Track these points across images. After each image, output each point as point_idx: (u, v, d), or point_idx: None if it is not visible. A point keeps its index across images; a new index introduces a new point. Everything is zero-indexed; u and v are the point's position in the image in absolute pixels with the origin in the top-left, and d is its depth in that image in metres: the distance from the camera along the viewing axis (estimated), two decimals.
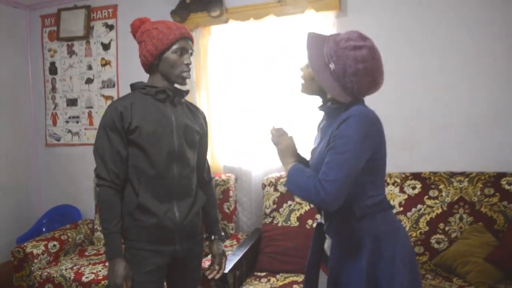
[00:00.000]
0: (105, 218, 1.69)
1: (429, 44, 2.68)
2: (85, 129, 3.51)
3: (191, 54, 1.75)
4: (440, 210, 2.52)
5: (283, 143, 1.53)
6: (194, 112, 1.85)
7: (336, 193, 1.30)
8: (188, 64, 1.72)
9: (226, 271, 2.17)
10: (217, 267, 1.91)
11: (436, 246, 2.50)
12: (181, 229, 1.74)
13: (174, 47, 1.69)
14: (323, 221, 1.56)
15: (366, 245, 1.40)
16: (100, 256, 2.98)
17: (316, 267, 1.64)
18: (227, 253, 2.46)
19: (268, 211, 2.79)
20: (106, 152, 1.67)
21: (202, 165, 1.91)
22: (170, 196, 1.72)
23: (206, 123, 1.91)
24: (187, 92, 1.83)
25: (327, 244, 1.58)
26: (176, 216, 1.72)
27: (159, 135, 1.68)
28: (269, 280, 2.45)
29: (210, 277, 1.91)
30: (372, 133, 1.36)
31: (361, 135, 1.32)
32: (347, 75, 1.35)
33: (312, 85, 1.47)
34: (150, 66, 1.75)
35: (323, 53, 1.40)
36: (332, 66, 1.36)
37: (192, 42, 1.76)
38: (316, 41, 1.43)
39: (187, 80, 1.77)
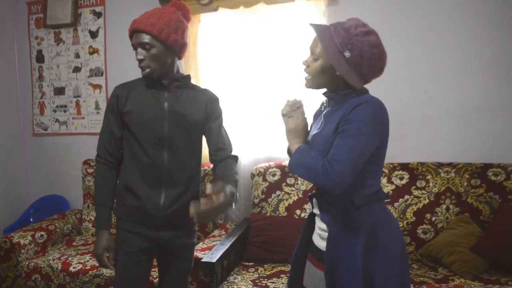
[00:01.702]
0: (96, 191, 1.81)
1: (419, 35, 2.68)
2: (73, 118, 3.47)
3: (147, 47, 1.67)
4: (427, 201, 2.54)
5: (294, 121, 1.48)
6: (198, 97, 1.80)
7: (345, 174, 1.30)
8: (139, 60, 1.69)
9: (214, 260, 2.17)
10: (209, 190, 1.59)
11: (422, 236, 2.53)
12: (165, 217, 1.75)
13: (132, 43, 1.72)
14: (317, 211, 1.55)
15: (363, 233, 1.40)
16: (88, 246, 2.97)
17: (303, 257, 1.64)
18: (215, 243, 2.48)
19: (256, 201, 2.79)
20: (104, 131, 1.80)
21: (213, 149, 1.83)
22: (159, 182, 1.74)
23: (215, 106, 1.84)
24: (183, 77, 1.78)
25: (316, 235, 1.57)
26: (160, 203, 1.73)
27: (147, 121, 1.71)
28: (257, 270, 2.46)
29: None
30: (382, 121, 1.38)
31: (374, 120, 1.34)
32: (364, 61, 1.35)
33: (322, 78, 1.43)
34: None
35: (334, 43, 1.37)
36: (347, 54, 1.35)
37: (152, 33, 1.65)
38: (323, 32, 1.40)
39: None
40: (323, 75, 1.42)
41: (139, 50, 1.69)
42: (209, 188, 1.49)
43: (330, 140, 1.37)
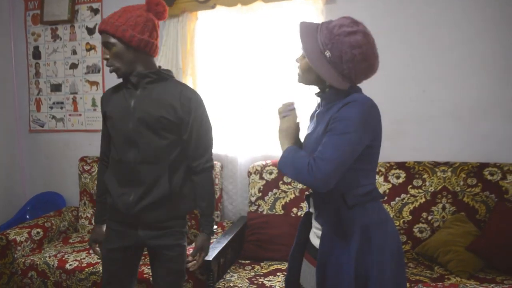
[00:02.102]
0: (96, 188, 2.01)
1: (418, 34, 2.68)
2: (70, 115, 3.46)
3: (109, 46, 1.69)
4: (423, 200, 2.54)
5: (286, 123, 1.49)
6: (168, 93, 1.74)
7: (330, 173, 1.28)
8: (105, 59, 1.73)
9: (210, 258, 2.17)
10: (190, 258, 1.86)
11: (418, 235, 2.53)
12: (136, 215, 1.77)
13: None
14: (312, 210, 1.56)
15: (356, 233, 1.40)
16: (84, 244, 2.97)
17: (299, 256, 1.64)
18: (211, 241, 2.47)
19: (253, 199, 2.79)
20: (102, 132, 1.95)
21: (190, 153, 1.79)
22: (127, 180, 1.77)
23: (191, 104, 1.74)
24: (153, 73, 1.74)
25: (312, 234, 1.58)
26: (129, 201, 1.75)
27: (115, 120, 1.77)
28: (253, 268, 2.46)
29: (189, 266, 1.88)
30: (372, 120, 1.37)
31: (362, 119, 1.31)
32: (344, 62, 1.33)
33: (309, 76, 1.44)
34: None
35: (317, 42, 1.37)
36: (328, 54, 1.34)
37: (110, 32, 1.66)
38: (308, 30, 1.41)
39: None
40: (310, 73, 1.42)
41: (104, 49, 1.73)
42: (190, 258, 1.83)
43: (320, 140, 1.36)
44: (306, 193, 1.63)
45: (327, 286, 1.44)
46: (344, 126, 1.30)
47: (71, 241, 3.04)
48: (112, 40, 1.67)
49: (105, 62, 1.74)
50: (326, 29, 1.37)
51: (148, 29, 1.71)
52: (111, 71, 1.73)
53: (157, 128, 1.72)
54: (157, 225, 1.79)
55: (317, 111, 1.52)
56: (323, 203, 1.47)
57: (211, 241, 2.31)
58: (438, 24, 2.65)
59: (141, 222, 1.79)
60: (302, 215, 1.69)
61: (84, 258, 2.70)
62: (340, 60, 1.33)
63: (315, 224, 1.55)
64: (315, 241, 1.54)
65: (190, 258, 1.85)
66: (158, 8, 1.76)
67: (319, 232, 1.50)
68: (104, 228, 1.93)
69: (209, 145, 1.84)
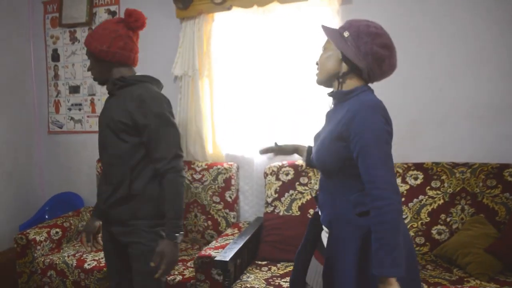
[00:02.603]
0: None
1: (434, 33, 2.65)
2: (88, 116, 3.51)
3: (88, 58, 1.92)
4: (442, 201, 2.51)
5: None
6: (128, 97, 1.82)
7: (394, 189, 1.32)
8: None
9: (227, 259, 2.17)
10: (151, 263, 1.79)
11: (437, 237, 2.50)
12: (107, 212, 1.93)
13: None
14: (319, 212, 1.58)
15: (359, 235, 1.40)
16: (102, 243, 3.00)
17: (307, 255, 1.67)
18: (228, 241, 2.49)
19: (269, 200, 2.79)
20: None
21: (152, 156, 1.84)
22: (103, 180, 1.97)
23: (147, 107, 1.79)
24: (119, 79, 1.86)
25: (323, 233, 1.59)
26: (101, 198, 1.94)
27: (99, 125, 1.96)
28: (270, 269, 2.46)
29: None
30: (388, 119, 1.40)
31: (383, 122, 1.36)
32: (360, 37, 1.41)
33: (328, 65, 1.49)
34: None
35: (337, 28, 1.48)
36: (346, 33, 1.43)
37: (85, 45, 1.90)
38: (329, 27, 1.52)
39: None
40: (329, 61, 1.49)
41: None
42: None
43: (328, 145, 1.42)
44: (315, 195, 1.65)
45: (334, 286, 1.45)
46: (371, 139, 1.33)
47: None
48: (88, 53, 1.91)
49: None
50: (346, 21, 1.50)
51: (117, 42, 1.84)
52: (95, 81, 1.98)
53: (118, 132, 1.83)
54: (122, 223, 1.89)
55: (328, 111, 1.57)
56: (328, 206, 1.49)
57: (223, 243, 2.31)
58: (455, 23, 2.62)
59: (110, 219, 1.94)
60: None
61: (102, 258, 2.73)
62: (357, 35, 1.41)
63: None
64: (325, 240, 1.56)
65: (151, 264, 1.78)
66: (129, 19, 1.87)
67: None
68: (96, 221, 2.07)
69: (171, 147, 1.84)
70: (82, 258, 2.74)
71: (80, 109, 3.52)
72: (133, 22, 1.87)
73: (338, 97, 1.50)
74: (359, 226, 1.39)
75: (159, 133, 1.81)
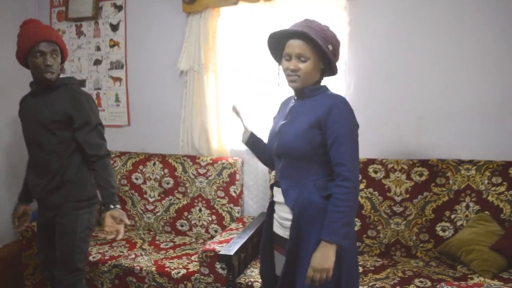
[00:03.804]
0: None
1: (441, 29, 2.63)
2: None
3: (54, 54, 2.06)
4: (446, 198, 2.51)
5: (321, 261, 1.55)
6: (60, 98, 2.09)
7: (358, 174, 1.57)
8: (47, 65, 2.04)
9: (232, 253, 2.18)
10: (106, 229, 2.05)
11: (441, 233, 2.50)
12: (43, 200, 2.20)
13: (34, 51, 2.03)
14: (279, 199, 1.67)
15: (324, 216, 1.54)
16: None
17: (270, 247, 1.78)
18: (232, 236, 2.50)
19: None
20: None
21: (83, 145, 2.11)
22: (34, 172, 2.22)
23: (73, 105, 2.08)
24: (52, 82, 2.09)
25: (276, 224, 1.73)
26: (37, 189, 2.18)
27: (24, 123, 2.22)
28: None
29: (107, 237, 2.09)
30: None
31: (353, 113, 1.61)
32: (338, 49, 1.64)
33: (312, 75, 1.64)
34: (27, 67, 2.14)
35: (322, 41, 1.59)
36: (330, 47, 1.60)
37: (57, 42, 2.07)
38: (314, 37, 1.59)
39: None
40: (314, 72, 1.63)
41: (51, 56, 2.09)
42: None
43: (304, 132, 1.58)
44: (271, 183, 1.77)
45: (300, 268, 1.58)
46: (348, 127, 1.56)
47: (94, 234, 3.09)
48: (59, 50, 2.11)
49: (48, 67, 2.05)
50: (321, 30, 1.61)
51: (19, 47, 2.13)
52: (50, 78, 2.09)
53: (54, 130, 2.10)
54: (55, 208, 2.16)
55: (292, 105, 1.71)
56: (294, 190, 1.62)
57: (228, 237, 2.32)
58: (462, 20, 2.60)
59: (45, 206, 2.22)
60: None
61: (107, 251, 2.76)
62: (337, 48, 1.63)
63: (279, 214, 1.70)
64: (281, 231, 1.69)
65: (106, 229, 2.04)
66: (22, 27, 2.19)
67: (284, 222, 1.66)
68: (22, 207, 2.37)
69: (101, 139, 2.16)
70: None
71: None
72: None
73: (308, 93, 1.66)
74: (324, 208, 1.54)
75: (85, 130, 2.10)
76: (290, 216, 1.62)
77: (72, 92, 2.12)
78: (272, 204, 1.76)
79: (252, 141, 1.95)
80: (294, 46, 1.60)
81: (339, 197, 1.50)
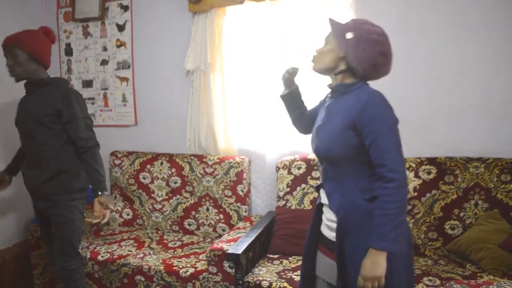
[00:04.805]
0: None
1: (448, 26, 2.62)
2: (101, 110, 3.53)
3: (9, 57, 2.28)
4: (455, 196, 2.50)
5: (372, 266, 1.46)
6: (45, 96, 2.28)
7: (404, 172, 1.45)
8: (8, 67, 2.30)
9: (239, 252, 2.19)
10: (96, 213, 2.25)
11: (450, 232, 2.49)
12: (36, 191, 2.35)
13: None
14: (324, 201, 1.62)
15: (370, 220, 1.46)
16: (115, 236, 3.04)
17: (313, 248, 1.72)
18: (240, 235, 2.50)
19: (281, 194, 2.80)
20: None
21: (72, 137, 2.29)
22: (27, 165, 2.38)
23: (62, 100, 2.25)
24: (35, 83, 2.33)
25: (324, 226, 1.66)
26: (31, 181, 2.35)
27: (19, 118, 2.40)
28: (281, 262, 2.47)
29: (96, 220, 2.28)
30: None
31: (391, 109, 1.49)
32: (360, 43, 1.48)
33: (326, 58, 1.57)
34: None
35: (342, 26, 1.54)
36: (349, 35, 1.49)
37: (9, 44, 2.27)
38: (336, 21, 1.57)
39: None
40: (328, 55, 1.56)
41: (7, 60, 2.33)
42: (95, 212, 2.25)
43: (339, 134, 1.50)
44: (316, 185, 1.71)
45: (348, 275, 1.51)
46: (386, 124, 1.45)
47: (102, 233, 3.11)
48: (19, 51, 2.29)
49: (8, 69, 2.32)
50: (351, 19, 1.56)
51: (44, 46, 2.37)
52: (13, 77, 2.36)
53: (47, 123, 2.27)
54: (47, 198, 2.32)
55: (327, 103, 1.63)
56: (337, 193, 1.55)
57: (235, 236, 2.32)
58: (469, 16, 2.58)
59: (38, 197, 2.38)
60: None
61: (115, 250, 2.77)
62: (358, 40, 1.48)
63: (326, 215, 1.63)
64: (328, 232, 1.62)
65: (95, 214, 2.24)
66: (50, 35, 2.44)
67: (331, 224, 1.59)
68: (5, 176, 2.59)
69: (89, 130, 2.33)
70: (95, 250, 2.77)
71: (93, 103, 3.55)
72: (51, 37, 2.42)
73: (340, 90, 1.57)
74: (369, 211, 1.47)
75: (78, 119, 2.27)
76: (336, 219, 1.57)
77: (62, 89, 2.31)
78: (319, 205, 1.70)
79: (290, 96, 1.86)
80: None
81: (385, 200, 1.42)
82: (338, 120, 1.52)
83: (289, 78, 1.82)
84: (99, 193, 2.26)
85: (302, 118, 1.86)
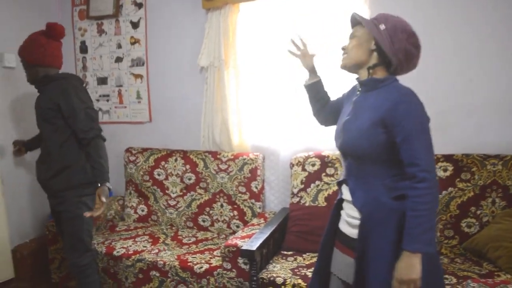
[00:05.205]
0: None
1: (465, 22, 2.58)
2: (115, 107, 3.56)
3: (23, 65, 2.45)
4: (472, 194, 2.46)
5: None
6: (49, 91, 2.34)
7: (435, 173, 1.41)
8: None
9: (254, 248, 2.19)
10: (96, 206, 2.23)
11: (466, 230, 2.46)
12: (45, 186, 2.43)
13: None
14: (346, 197, 1.60)
15: (394, 219, 1.45)
16: (130, 232, 3.07)
17: (331, 244, 1.70)
18: (254, 231, 2.51)
19: (295, 190, 2.79)
20: None
21: (73, 129, 2.32)
22: (38, 160, 2.47)
23: (60, 93, 2.30)
24: (42, 80, 2.39)
25: (343, 222, 1.63)
26: (40, 176, 2.43)
27: (36, 116, 2.45)
28: (295, 259, 2.47)
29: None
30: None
31: (423, 109, 1.46)
32: (397, 33, 1.46)
33: (357, 53, 1.54)
34: None
35: (372, 19, 1.52)
36: (382, 26, 1.48)
37: (19, 54, 2.44)
38: (363, 17, 1.55)
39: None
40: (359, 50, 1.53)
41: None
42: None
43: (367, 131, 1.46)
44: (338, 180, 1.68)
45: (369, 274, 1.49)
46: (419, 122, 1.42)
47: (117, 229, 3.14)
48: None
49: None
50: (378, 14, 1.54)
51: (38, 49, 2.39)
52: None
53: (49, 118, 2.34)
54: (55, 194, 2.40)
55: (355, 98, 1.59)
56: (361, 190, 1.53)
57: (249, 232, 2.32)
58: (486, 13, 2.53)
59: (48, 193, 2.46)
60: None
61: (130, 246, 2.79)
62: (394, 30, 1.46)
63: (347, 212, 1.60)
64: (347, 229, 1.60)
65: (96, 206, 2.23)
66: (50, 32, 2.44)
67: (352, 221, 1.56)
68: (22, 147, 2.81)
69: (92, 121, 2.32)
70: (111, 245, 2.80)
71: (108, 100, 3.58)
72: (54, 33, 2.44)
73: (371, 85, 1.54)
74: (393, 210, 1.45)
75: (77, 112, 2.29)
76: (359, 215, 1.54)
77: (61, 84, 2.35)
78: (339, 201, 1.67)
79: (314, 87, 1.86)
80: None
81: (416, 201, 1.38)
82: (367, 117, 1.49)
83: (305, 59, 1.88)
84: (99, 184, 2.25)
85: (324, 110, 1.86)
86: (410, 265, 1.39)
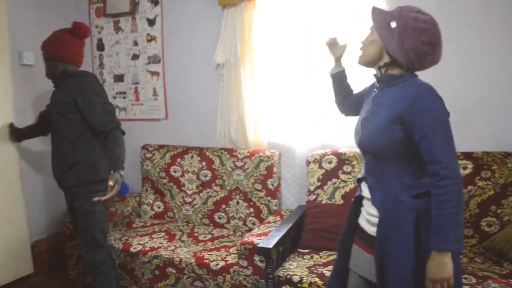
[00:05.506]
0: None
1: (485, 18, 2.52)
2: (132, 104, 3.58)
3: (44, 60, 2.53)
4: (492, 192, 2.42)
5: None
6: (66, 87, 2.40)
7: (458, 169, 1.38)
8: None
9: (270, 246, 2.18)
10: (110, 183, 2.20)
11: (486, 229, 2.42)
12: (59, 181, 2.49)
13: None
14: (365, 195, 1.59)
15: (413, 218, 1.44)
16: (146, 228, 3.09)
17: (350, 240, 1.69)
18: (270, 229, 2.50)
19: (312, 188, 2.77)
20: None
21: (91, 124, 2.36)
22: (52, 155, 2.50)
23: (78, 89, 2.35)
24: (60, 75, 2.46)
25: (363, 219, 1.62)
26: (54, 171, 2.49)
27: (48, 112, 2.58)
28: (312, 257, 2.45)
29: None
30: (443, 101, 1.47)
31: (443, 105, 1.44)
32: (406, 32, 1.42)
33: (370, 49, 1.53)
34: None
35: (386, 14, 1.48)
36: (393, 24, 1.44)
37: (42, 49, 2.52)
38: (379, 10, 1.53)
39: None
40: (372, 46, 1.52)
41: None
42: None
43: (385, 128, 1.45)
44: (358, 177, 1.67)
45: (387, 271, 1.47)
46: (437, 117, 1.39)
47: (134, 225, 3.17)
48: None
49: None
50: (397, 7, 1.50)
51: (62, 45, 2.47)
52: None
53: (65, 113, 2.39)
54: (69, 190, 2.46)
55: (373, 94, 1.58)
56: (380, 188, 1.51)
57: (266, 230, 2.32)
58: (505, 6, 2.48)
59: (64, 188, 2.51)
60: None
61: (147, 242, 2.81)
62: (404, 29, 1.42)
63: (367, 209, 1.59)
64: (367, 227, 1.59)
65: (110, 183, 2.19)
66: (75, 29, 2.51)
67: (371, 218, 1.55)
68: (17, 132, 2.82)
69: (108, 115, 2.37)
70: (128, 242, 2.82)
71: (124, 97, 3.60)
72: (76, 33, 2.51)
73: (388, 81, 1.52)
74: (412, 208, 1.43)
75: (95, 106, 2.34)
76: (377, 213, 1.53)
77: (79, 81, 2.40)
78: (358, 198, 1.67)
79: (339, 76, 1.89)
80: None
81: (440, 199, 1.36)
82: (384, 114, 1.47)
83: (335, 51, 1.87)
84: (112, 171, 2.24)
85: (347, 101, 1.88)
86: (441, 264, 1.37)
